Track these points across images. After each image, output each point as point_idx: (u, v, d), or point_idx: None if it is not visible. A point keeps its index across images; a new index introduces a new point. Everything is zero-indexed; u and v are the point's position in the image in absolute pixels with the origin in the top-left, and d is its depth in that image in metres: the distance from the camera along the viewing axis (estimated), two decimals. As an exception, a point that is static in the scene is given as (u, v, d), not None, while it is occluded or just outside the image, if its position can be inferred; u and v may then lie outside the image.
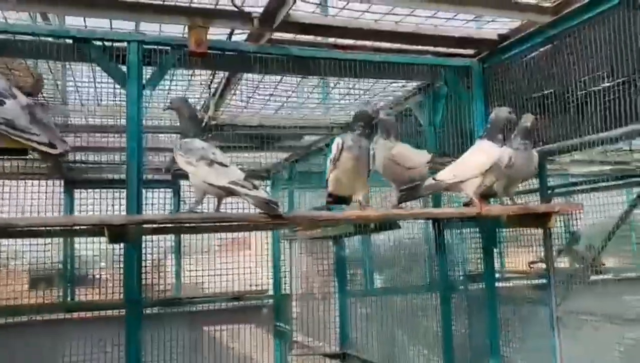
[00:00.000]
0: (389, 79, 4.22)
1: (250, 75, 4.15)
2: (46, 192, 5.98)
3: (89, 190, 6.19)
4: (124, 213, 3.36)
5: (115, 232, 2.66)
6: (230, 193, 2.55)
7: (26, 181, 5.93)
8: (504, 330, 4.49)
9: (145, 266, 6.16)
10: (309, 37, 3.82)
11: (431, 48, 4.01)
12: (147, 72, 3.52)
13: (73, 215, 4.89)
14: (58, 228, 3.27)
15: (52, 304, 6.09)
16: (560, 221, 4.96)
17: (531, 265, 6.46)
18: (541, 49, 3.81)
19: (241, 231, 4.81)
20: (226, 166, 2.59)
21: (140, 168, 3.32)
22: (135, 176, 3.27)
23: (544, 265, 4.27)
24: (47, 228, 2.97)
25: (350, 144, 2.93)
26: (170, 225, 3.19)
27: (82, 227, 3.12)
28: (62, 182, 6.21)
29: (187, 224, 3.03)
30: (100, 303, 5.79)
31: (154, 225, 3.02)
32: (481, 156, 3.25)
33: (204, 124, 4.57)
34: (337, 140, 3.00)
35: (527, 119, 3.42)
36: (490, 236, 4.14)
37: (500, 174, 3.30)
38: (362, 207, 3.05)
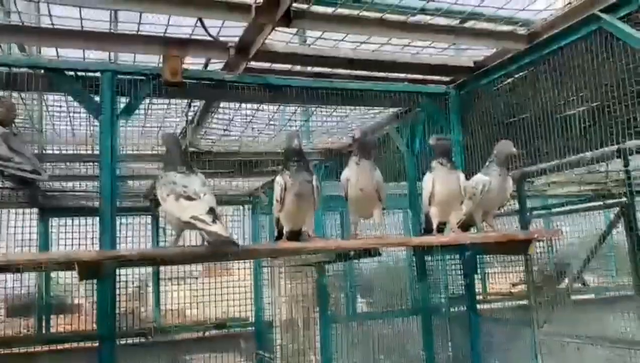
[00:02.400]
0: (366, 106, 4.23)
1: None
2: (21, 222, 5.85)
3: (65, 218, 6.08)
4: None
5: (87, 268, 2.59)
6: (193, 227, 2.53)
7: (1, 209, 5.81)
8: (487, 352, 4.46)
9: (126, 294, 6.10)
10: (287, 66, 3.82)
11: (408, 75, 4.03)
12: (122, 101, 3.47)
13: (40, 253, 4.75)
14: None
15: (26, 337, 5.91)
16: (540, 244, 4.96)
17: (514, 286, 6.48)
18: (517, 76, 3.86)
19: (217, 260, 4.73)
20: (193, 199, 2.55)
21: (114, 200, 3.26)
22: (109, 209, 3.21)
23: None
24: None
25: (292, 182, 2.98)
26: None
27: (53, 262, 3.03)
28: (38, 210, 6.10)
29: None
30: (75, 336, 5.63)
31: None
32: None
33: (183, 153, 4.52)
34: (279, 181, 3.03)
35: (505, 147, 3.41)
36: (470, 263, 4.13)
37: (476, 202, 3.31)
38: (310, 238, 3.09)
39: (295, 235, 3.16)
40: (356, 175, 3.14)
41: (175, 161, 2.79)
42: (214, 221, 2.45)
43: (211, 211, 2.49)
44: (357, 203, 3.22)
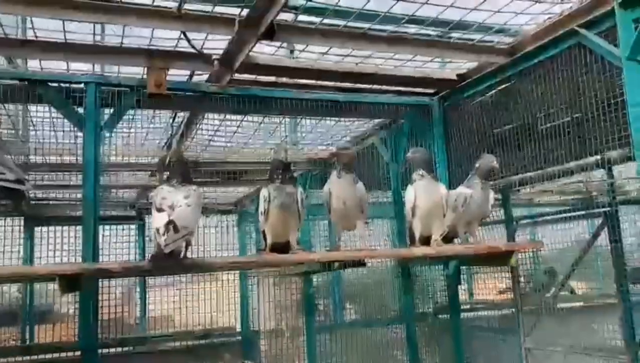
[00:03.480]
0: (351, 117, 4.26)
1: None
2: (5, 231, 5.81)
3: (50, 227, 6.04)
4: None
5: (69, 281, 2.59)
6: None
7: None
8: (473, 361, 4.48)
9: (109, 303, 6.04)
10: (273, 78, 3.84)
11: (393, 87, 4.06)
12: (106, 113, 3.47)
13: (22, 267, 4.74)
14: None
15: (9, 348, 5.85)
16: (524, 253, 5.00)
17: (501, 294, 6.52)
18: (499, 88, 3.91)
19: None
20: (162, 211, 2.58)
21: (97, 211, 3.25)
22: (92, 219, 3.21)
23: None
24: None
25: (275, 195, 3.00)
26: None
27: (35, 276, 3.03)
28: (23, 219, 6.06)
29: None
30: (58, 347, 5.56)
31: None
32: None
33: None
34: (263, 193, 3.06)
35: (487, 161, 3.45)
36: (454, 274, 4.16)
37: (458, 214, 3.34)
38: (295, 249, 3.11)
39: (282, 247, 3.17)
40: (338, 189, 3.17)
41: (174, 175, 2.81)
42: (163, 234, 2.45)
43: (169, 223, 2.49)
44: (339, 216, 3.24)
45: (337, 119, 4.34)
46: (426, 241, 3.39)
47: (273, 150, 3.20)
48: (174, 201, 2.62)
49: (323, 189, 3.25)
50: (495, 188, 3.92)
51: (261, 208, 3.07)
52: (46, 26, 3.07)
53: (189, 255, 2.74)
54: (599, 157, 3.82)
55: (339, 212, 3.20)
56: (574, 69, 3.31)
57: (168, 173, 2.87)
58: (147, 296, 6.82)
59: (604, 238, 4.59)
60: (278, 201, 3.00)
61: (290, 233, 3.13)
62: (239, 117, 4.16)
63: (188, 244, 2.72)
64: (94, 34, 3.21)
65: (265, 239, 3.20)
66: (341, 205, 3.16)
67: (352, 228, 3.34)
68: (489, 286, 6.59)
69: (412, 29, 3.41)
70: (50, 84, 3.34)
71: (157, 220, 2.57)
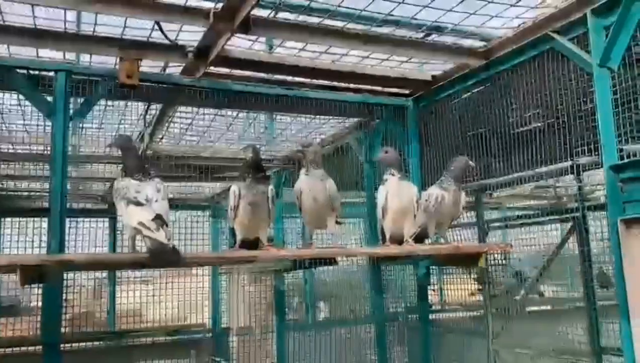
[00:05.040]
0: (325, 115, 4.25)
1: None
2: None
3: (16, 219, 5.89)
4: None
5: (31, 273, 2.52)
6: (139, 232, 2.50)
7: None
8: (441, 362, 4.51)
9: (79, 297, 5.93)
10: (248, 72, 3.80)
11: (368, 86, 4.06)
12: (77, 102, 3.41)
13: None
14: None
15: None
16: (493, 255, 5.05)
17: (472, 295, 6.58)
18: (474, 90, 3.94)
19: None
20: (142, 205, 2.53)
21: (63, 202, 3.18)
22: (58, 211, 3.13)
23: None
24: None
25: (245, 192, 2.99)
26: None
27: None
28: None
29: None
30: (20, 340, 5.42)
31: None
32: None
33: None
34: (234, 189, 3.04)
35: (460, 161, 3.47)
36: (424, 274, 4.18)
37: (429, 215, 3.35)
38: (266, 247, 3.08)
39: (251, 244, 3.15)
40: (307, 186, 3.15)
41: (131, 166, 2.75)
42: (157, 229, 2.42)
43: (158, 217, 2.46)
44: (311, 214, 3.22)
45: (311, 116, 4.32)
46: (397, 241, 3.39)
47: (243, 149, 3.16)
48: (148, 195, 2.58)
49: (294, 189, 3.23)
50: (467, 190, 3.95)
51: (231, 204, 3.04)
52: (13, 11, 2.99)
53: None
54: (570, 163, 3.89)
55: (309, 209, 3.18)
56: (546, 74, 3.35)
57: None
58: (115, 291, 6.70)
59: (572, 243, 4.66)
60: (248, 198, 2.99)
61: (260, 230, 3.11)
62: (212, 111, 4.11)
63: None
64: (65, 20, 3.14)
65: (234, 236, 3.17)
66: (311, 202, 3.14)
67: (324, 227, 3.33)
68: (460, 288, 6.65)
69: (388, 29, 3.42)
70: (18, 70, 3.25)
71: (138, 214, 2.52)
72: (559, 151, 3.61)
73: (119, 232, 6.46)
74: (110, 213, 6.36)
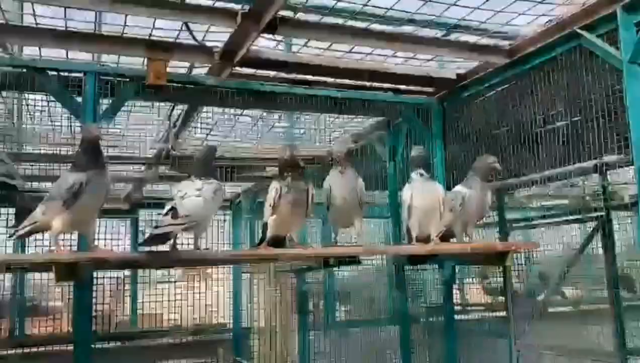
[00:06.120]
0: (349, 114, 4.25)
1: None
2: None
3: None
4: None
5: (65, 270, 2.56)
6: None
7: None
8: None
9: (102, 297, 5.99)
10: (272, 72, 3.82)
11: (392, 85, 4.06)
12: (105, 103, 3.45)
13: (20, 254, 4.69)
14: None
15: (-1, 340, 5.79)
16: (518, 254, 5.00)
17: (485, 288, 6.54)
18: (499, 89, 3.91)
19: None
20: (173, 200, 2.58)
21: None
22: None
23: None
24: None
25: (287, 190, 2.98)
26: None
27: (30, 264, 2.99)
28: (14, 210, 5.98)
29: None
30: (49, 338, 5.51)
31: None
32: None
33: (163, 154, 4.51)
34: (275, 186, 3.03)
35: (486, 160, 3.43)
36: (449, 273, 4.15)
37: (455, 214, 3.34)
38: (294, 244, 3.08)
39: (279, 242, 3.14)
40: (339, 184, 3.15)
41: (197, 169, 2.80)
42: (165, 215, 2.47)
43: (171, 210, 2.50)
44: (339, 212, 3.21)
45: (335, 116, 4.33)
46: (423, 240, 3.37)
47: (282, 148, 3.16)
48: (187, 192, 2.62)
49: (323, 186, 3.22)
50: (491, 189, 3.92)
51: (270, 201, 3.02)
52: (45, 13, 3.05)
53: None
54: (596, 161, 3.85)
55: (339, 208, 3.18)
56: (574, 71, 3.32)
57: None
58: (137, 292, 6.78)
59: (597, 243, 4.61)
60: (290, 196, 2.97)
61: (294, 227, 3.10)
62: (237, 111, 4.14)
63: (197, 236, 2.73)
64: (95, 22, 3.19)
65: (264, 232, 3.16)
66: (342, 201, 3.14)
67: (350, 225, 3.32)
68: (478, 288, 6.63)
69: (412, 28, 3.41)
70: (49, 72, 3.31)
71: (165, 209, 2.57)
72: (585, 150, 3.57)
73: (141, 232, 6.53)
74: (133, 213, 6.42)
